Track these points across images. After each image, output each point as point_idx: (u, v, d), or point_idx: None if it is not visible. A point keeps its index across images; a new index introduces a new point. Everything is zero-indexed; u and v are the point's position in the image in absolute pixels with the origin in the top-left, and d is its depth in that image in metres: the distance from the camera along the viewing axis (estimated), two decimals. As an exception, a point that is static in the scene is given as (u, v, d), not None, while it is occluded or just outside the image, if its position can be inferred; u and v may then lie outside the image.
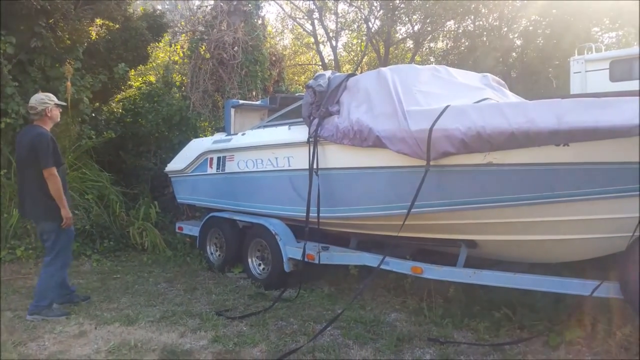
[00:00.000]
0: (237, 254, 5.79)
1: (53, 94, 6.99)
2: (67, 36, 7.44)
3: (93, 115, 8.08)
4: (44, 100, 4.30)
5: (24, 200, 4.39)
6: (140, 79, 10.49)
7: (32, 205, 4.33)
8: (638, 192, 3.08)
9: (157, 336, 3.92)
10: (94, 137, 7.76)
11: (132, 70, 9.16)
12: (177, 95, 9.72)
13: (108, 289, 5.35)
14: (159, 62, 11.97)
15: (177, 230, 6.93)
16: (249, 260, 5.60)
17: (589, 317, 3.75)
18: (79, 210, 6.93)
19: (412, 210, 3.77)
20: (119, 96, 9.29)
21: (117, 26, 8.32)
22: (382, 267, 4.22)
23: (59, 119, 4.55)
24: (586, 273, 3.73)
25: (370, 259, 4.49)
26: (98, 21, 8.25)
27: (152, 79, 10.88)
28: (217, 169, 6.04)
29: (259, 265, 5.56)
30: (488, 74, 5.19)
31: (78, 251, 6.64)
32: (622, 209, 3.24)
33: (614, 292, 3.30)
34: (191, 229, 6.58)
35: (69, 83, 6.96)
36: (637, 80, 8.87)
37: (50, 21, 7.07)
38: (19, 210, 4.68)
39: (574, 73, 10.16)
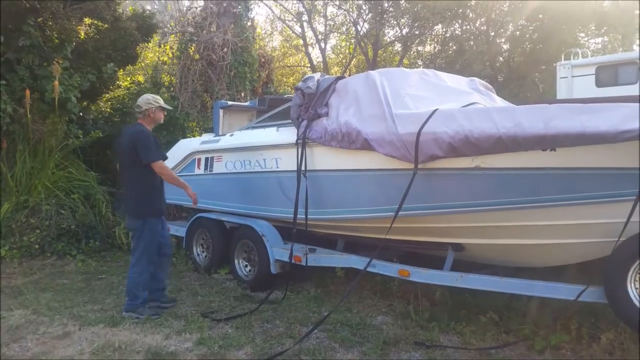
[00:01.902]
0: (224, 255, 5.75)
1: (40, 92, 7.04)
2: (55, 35, 7.39)
3: (81, 114, 8.01)
4: (150, 101, 4.46)
5: (125, 197, 4.55)
6: (128, 78, 10.41)
7: (125, 202, 4.51)
8: (624, 197, 3.11)
9: (141, 338, 3.88)
10: (81, 136, 7.71)
11: (121, 70, 9.08)
12: (166, 95, 9.66)
13: (93, 290, 5.29)
14: (148, 62, 11.89)
15: (163, 231, 6.86)
16: (236, 261, 5.57)
17: (574, 321, 3.77)
18: (65, 210, 6.85)
19: (399, 213, 3.79)
20: (107, 95, 9.21)
21: (106, 26, 8.26)
22: (369, 269, 4.22)
23: (161, 121, 4.70)
24: (572, 277, 3.76)
25: (357, 262, 4.48)
26: (87, 20, 8.18)
27: (141, 79, 10.80)
28: (204, 169, 6.01)
29: (246, 266, 5.54)
30: (475, 78, 5.23)
31: (63, 251, 6.59)
32: (608, 214, 3.27)
33: (598, 296, 3.33)
34: (178, 229, 6.53)
35: (56, 82, 6.91)
36: (622, 86, 9.00)
37: (39, 20, 7.03)
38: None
39: (561, 78, 10.26)
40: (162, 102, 4.57)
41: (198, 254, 6.21)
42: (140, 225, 4.38)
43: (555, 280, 3.67)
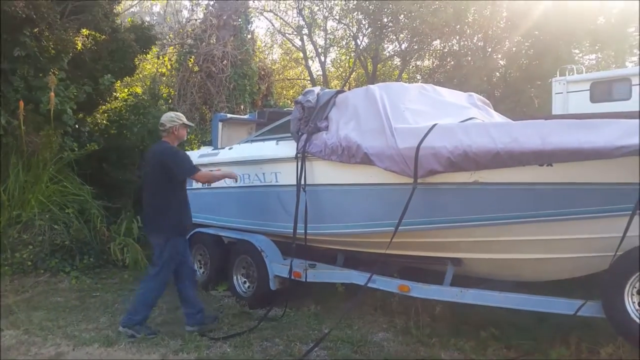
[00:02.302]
0: (222, 272, 5.68)
1: (35, 104, 6.98)
2: (52, 46, 7.30)
3: (76, 126, 7.92)
4: (173, 119, 4.48)
5: (146, 214, 4.50)
6: (126, 90, 10.40)
7: (149, 218, 4.44)
8: (620, 212, 3.11)
9: (137, 358, 3.81)
10: (76, 149, 7.60)
11: (118, 81, 9.04)
12: (164, 107, 9.65)
13: (87, 308, 5.18)
14: (146, 73, 11.91)
15: (160, 245, 6.79)
16: (234, 277, 5.49)
17: (573, 336, 3.77)
18: (59, 225, 6.74)
19: (399, 227, 3.77)
20: (103, 107, 9.17)
21: (104, 37, 8.23)
22: (369, 285, 4.18)
23: (185, 138, 4.76)
24: (571, 292, 3.75)
25: (357, 277, 4.44)
26: (84, 32, 8.16)
27: (139, 90, 10.79)
28: (202, 183, 5.97)
29: (244, 283, 5.47)
30: (473, 94, 5.26)
31: (57, 267, 6.43)
32: (605, 228, 3.28)
33: (597, 311, 3.31)
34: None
35: (52, 93, 6.83)
36: (616, 102, 9.08)
37: (35, 30, 6.95)
38: (144, 220, 4.73)
39: (556, 94, 10.37)
40: (184, 119, 4.58)
41: (195, 271, 6.13)
42: (163, 242, 4.30)
43: (555, 294, 3.66)
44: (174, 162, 4.30)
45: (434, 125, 3.72)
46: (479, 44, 15.47)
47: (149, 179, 4.48)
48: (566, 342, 3.76)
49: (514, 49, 15.09)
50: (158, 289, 4.35)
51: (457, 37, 15.76)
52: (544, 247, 3.62)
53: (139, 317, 4.28)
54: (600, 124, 3.03)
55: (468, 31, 15.40)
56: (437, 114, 4.28)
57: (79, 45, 7.99)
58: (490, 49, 15.24)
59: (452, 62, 15.74)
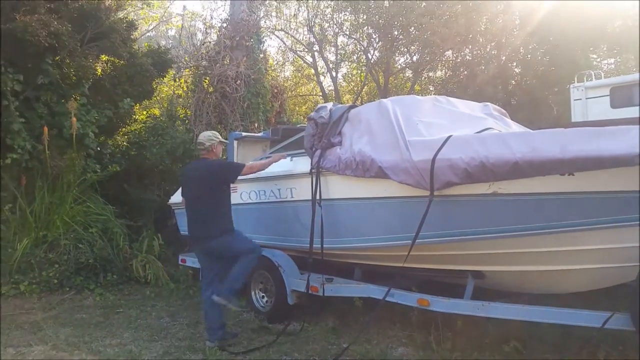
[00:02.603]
0: (241, 287, 5.71)
1: (58, 129, 7.19)
2: (73, 72, 7.57)
3: (98, 149, 8.14)
4: (212, 137, 4.75)
5: (201, 226, 4.62)
6: (145, 112, 10.60)
7: (210, 226, 4.58)
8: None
9: (159, 373, 3.85)
10: (98, 170, 7.81)
11: (137, 104, 9.25)
12: (181, 128, 9.80)
13: (111, 324, 5.29)
14: (163, 95, 12.12)
15: (180, 262, 6.86)
16: (252, 292, 5.52)
17: (601, 350, 3.66)
18: (83, 244, 6.91)
19: (416, 240, 3.75)
20: (124, 130, 9.37)
21: (123, 62, 8.45)
22: (387, 299, 4.16)
23: (220, 154, 5.00)
24: (597, 304, 3.67)
25: (375, 291, 4.42)
26: (104, 57, 8.39)
27: (157, 112, 10.99)
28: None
29: (262, 297, 5.49)
30: (489, 104, 5.23)
31: (81, 285, 6.62)
32: (630, 238, 3.21)
33: (625, 323, 3.22)
34: (194, 261, 6.49)
35: (74, 118, 7.05)
36: (638, 107, 8.90)
37: (57, 58, 7.20)
38: (195, 237, 4.77)
39: (575, 100, 10.21)
40: (220, 137, 4.85)
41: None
42: (232, 238, 4.62)
43: (580, 306, 3.58)
44: (223, 168, 4.73)
45: (449, 137, 3.71)
46: (493, 52, 15.37)
47: (197, 193, 4.65)
48: (593, 355, 3.66)
49: (529, 56, 14.95)
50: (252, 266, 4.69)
51: (470, 47, 15.69)
52: (568, 258, 3.54)
53: (238, 285, 4.61)
54: (621, 131, 2.97)
55: (481, 40, 15.32)
56: (452, 125, 4.27)
57: (99, 71, 8.23)
58: (504, 57, 15.13)
59: (466, 72, 15.64)
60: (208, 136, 4.75)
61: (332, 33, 17.79)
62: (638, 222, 3.12)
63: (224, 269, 4.64)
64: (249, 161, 5.99)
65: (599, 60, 15.22)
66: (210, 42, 10.63)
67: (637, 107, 8.88)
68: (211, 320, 4.56)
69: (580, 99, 10.07)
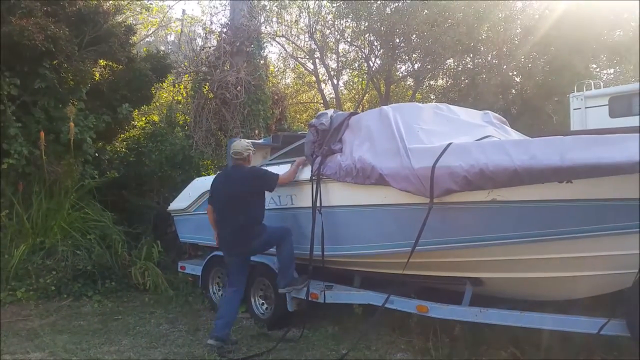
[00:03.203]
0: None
1: (56, 134, 7.18)
2: (70, 77, 7.54)
3: (96, 155, 8.11)
4: (248, 147, 4.94)
5: (237, 233, 4.74)
6: (143, 118, 10.61)
7: (248, 234, 4.73)
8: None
9: (158, 380, 3.83)
10: (97, 177, 7.78)
11: (136, 110, 9.23)
12: (180, 134, 9.82)
13: (109, 331, 5.27)
14: (163, 101, 12.14)
15: (179, 269, 6.85)
16: (252, 299, 5.52)
17: (596, 356, 3.68)
18: (81, 251, 6.88)
19: (416, 247, 3.75)
20: (122, 135, 9.36)
21: (121, 67, 8.44)
22: (387, 305, 4.16)
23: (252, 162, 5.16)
24: (593, 310, 3.67)
25: (375, 298, 4.43)
26: (102, 62, 8.38)
27: (156, 118, 11.00)
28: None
29: (262, 304, 5.48)
30: (489, 112, 5.25)
31: (79, 292, 6.59)
32: (627, 245, 3.23)
33: (621, 329, 3.23)
34: (193, 268, 6.52)
35: (71, 123, 7.02)
36: (637, 116, 8.93)
37: (54, 62, 7.17)
38: (228, 243, 4.88)
39: (574, 109, 10.25)
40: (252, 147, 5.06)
41: (214, 293, 6.17)
42: (264, 235, 4.76)
43: (576, 313, 3.59)
44: (264, 178, 4.82)
45: (449, 145, 3.72)
46: (494, 61, 15.44)
47: (237, 199, 4.73)
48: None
49: (529, 65, 15.01)
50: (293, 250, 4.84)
51: (471, 55, 15.76)
52: (565, 265, 3.56)
53: (292, 272, 4.86)
54: (620, 139, 2.99)
55: (482, 49, 15.39)
56: (452, 133, 4.28)
57: (97, 76, 8.22)
58: (505, 66, 15.19)
59: (467, 81, 15.70)
60: (245, 146, 4.89)
61: (333, 40, 17.86)
62: (636, 230, 3.13)
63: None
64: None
65: (598, 70, 15.28)
66: (210, 48, 10.64)
67: (636, 117, 8.91)
68: (223, 315, 4.61)
69: (580, 108, 10.11)
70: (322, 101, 19.17)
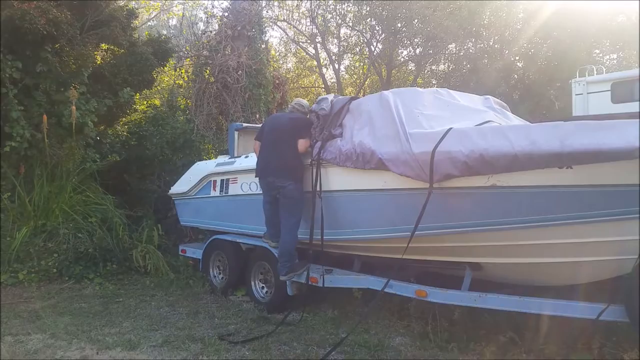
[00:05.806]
0: (240, 277, 5.75)
1: (57, 117, 7.18)
2: (72, 61, 7.53)
3: (98, 138, 8.11)
4: (308, 107, 5.18)
5: (274, 164, 4.87)
6: (145, 102, 10.58)
7: (282, 169, 4.81)
8: (643, 214, 3.06)
9: (159, 361, 3.88)
10: (98, 160, 7.79)
11: (137, 94, 9.21)
12: (182, 118, 9.80)
13: (110, 313, 5.32)
14: (164, 85, 12.09)
15: (180, 252, 6.89)
16: (252, 283, 5.56)
17: (595, 340, 3.69)
18: (82, 234, 6.92)
19: (415, 232, 3.76)
20: (124, 119, 9.35)
21: (123, 51, 8.40)
22: (386, 290, 4.18)
23: None
24: (593, 296, 3.69)
25: (374, 282, 4.45)
26: (103, 46, 8.34)
27: (157, 102, 10.97)
28: (220, 191, 6.05)
29: (262, 288, 5.52)
30: (490, 97, 5.22)
31: (81, 274, 6.63)
32: (627, 231, 3.22)
33: (620, 315, 3.25)
34: (194, 251, 6.55)
35: (73, 107, 7.02)
36: (638, 102, 8.90)
37: (56, 46, 7.15)
38: (264, 173, 4.99)
39: (576, 95, 10.21)
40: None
41: (214, 276, 6.21)
42: (299, 195, 4.75)
43: (576, 298, 3.60)
44: (305, 126, 4.89)
45: (449, 129, 3.70)
46: (496, 46, 15.33)
47: (282, 136, 4.91)
48: (588, 346, 3.69)
49: (532, 50, 14.91)
50: (296, 239, 4.85)
51: (473, 40, 15.64)
52: (565, 250, 3.56)
53: (294, 259, 4.88)
54: (620, 125, 2.98)
55: (484, 33, 15.27)
56: (453, 118, 4.26)
57: (99, 60, 8.19)
58: (507, 51, 15.09)
59: (468, 66, 15.61)
60: (307, 104, 5.24)
61: (334, 24, 17.72)
62: (636, 216, 3.13)
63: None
64: (249, 152, 6.02)
65: (601, 55, 15.18)
66: (211, 32, 10.58)
67: (637, 103, 8.87)
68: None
69: (582, 94, 10.07)
70: (323, 86, 19.10)
